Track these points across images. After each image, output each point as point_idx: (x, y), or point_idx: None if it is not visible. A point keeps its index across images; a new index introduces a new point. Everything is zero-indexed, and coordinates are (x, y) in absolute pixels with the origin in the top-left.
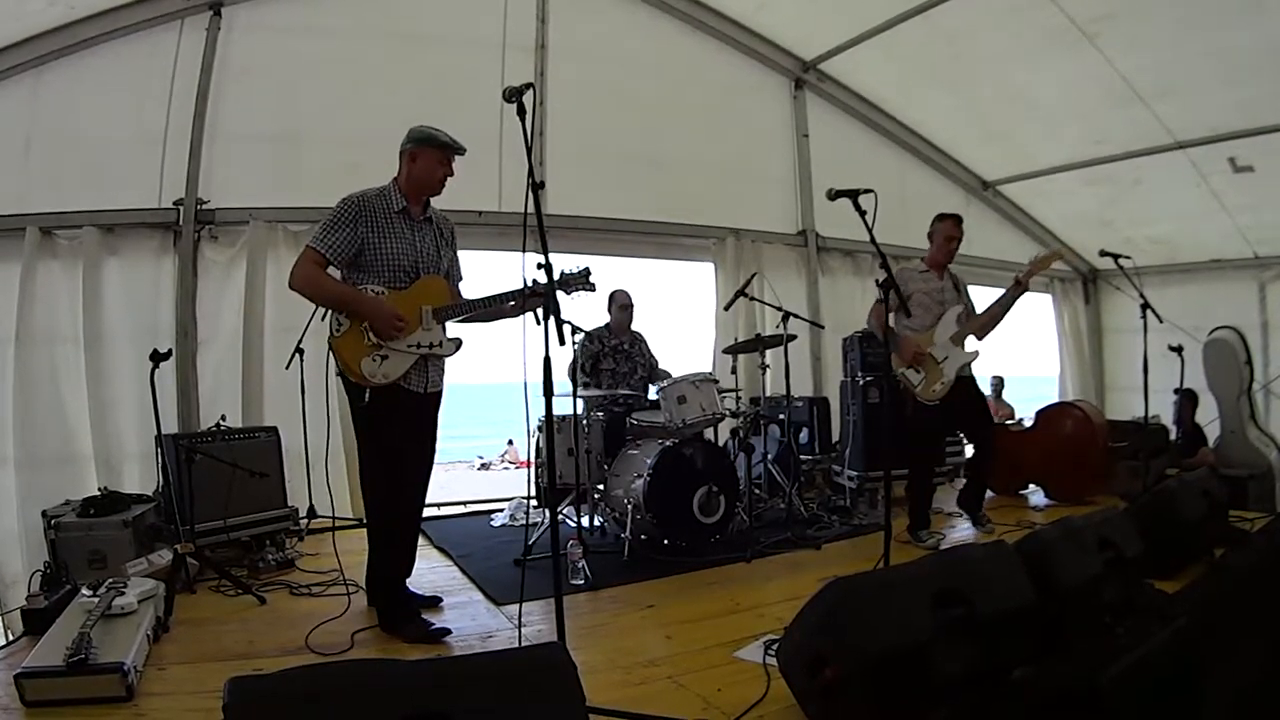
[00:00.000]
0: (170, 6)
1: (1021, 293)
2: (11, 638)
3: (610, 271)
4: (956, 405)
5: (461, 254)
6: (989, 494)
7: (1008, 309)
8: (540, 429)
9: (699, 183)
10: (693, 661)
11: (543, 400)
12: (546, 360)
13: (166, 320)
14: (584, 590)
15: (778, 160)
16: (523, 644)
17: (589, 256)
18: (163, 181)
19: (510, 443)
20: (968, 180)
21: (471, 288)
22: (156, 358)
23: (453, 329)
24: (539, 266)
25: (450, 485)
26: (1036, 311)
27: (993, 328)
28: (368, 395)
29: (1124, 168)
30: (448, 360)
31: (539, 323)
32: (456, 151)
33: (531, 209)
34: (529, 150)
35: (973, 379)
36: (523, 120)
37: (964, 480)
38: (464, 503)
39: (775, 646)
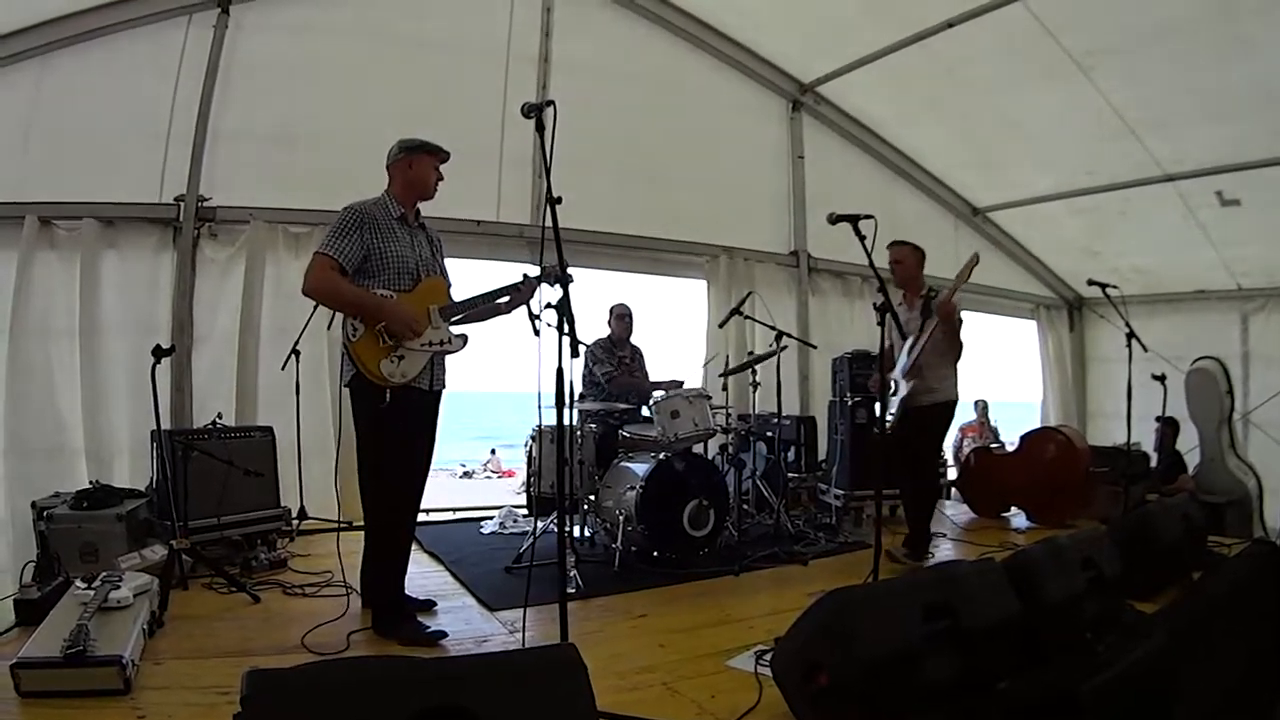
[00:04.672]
0: (178, 1)
1: (941, 315)
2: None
3: (604, 285)
4: (905, 436)
5: (457, 262)
6: (971, 515)
7: (941, 335)
8: (534, 438)
9: (694, 200)
10: (686, 669)
11: (539, 409)
12: (560, 372)
13: (163, 316)
14: (576, 598)
15: (772, 180)
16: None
17: (583, 270)
18: (164, 176)
19: (493, 452)
20: (958, 206)
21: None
22: (160, 353)
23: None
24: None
25: (434, 493)
26: (1020, 338)
27: (950, 355)
28: (388, 395)
29: (1113, 198)
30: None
31: (559, 331)
32: (443, 157)
33: (546, 223)
34: (547, 167)
35: (927, 410)
36: (540, 136)
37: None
38: (453, 509)
39: (767, 656)
